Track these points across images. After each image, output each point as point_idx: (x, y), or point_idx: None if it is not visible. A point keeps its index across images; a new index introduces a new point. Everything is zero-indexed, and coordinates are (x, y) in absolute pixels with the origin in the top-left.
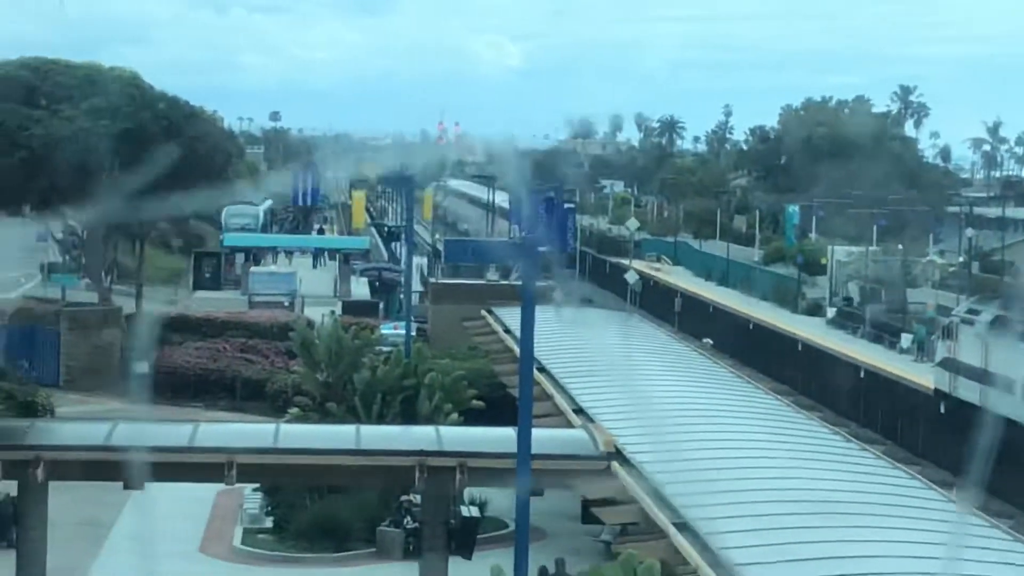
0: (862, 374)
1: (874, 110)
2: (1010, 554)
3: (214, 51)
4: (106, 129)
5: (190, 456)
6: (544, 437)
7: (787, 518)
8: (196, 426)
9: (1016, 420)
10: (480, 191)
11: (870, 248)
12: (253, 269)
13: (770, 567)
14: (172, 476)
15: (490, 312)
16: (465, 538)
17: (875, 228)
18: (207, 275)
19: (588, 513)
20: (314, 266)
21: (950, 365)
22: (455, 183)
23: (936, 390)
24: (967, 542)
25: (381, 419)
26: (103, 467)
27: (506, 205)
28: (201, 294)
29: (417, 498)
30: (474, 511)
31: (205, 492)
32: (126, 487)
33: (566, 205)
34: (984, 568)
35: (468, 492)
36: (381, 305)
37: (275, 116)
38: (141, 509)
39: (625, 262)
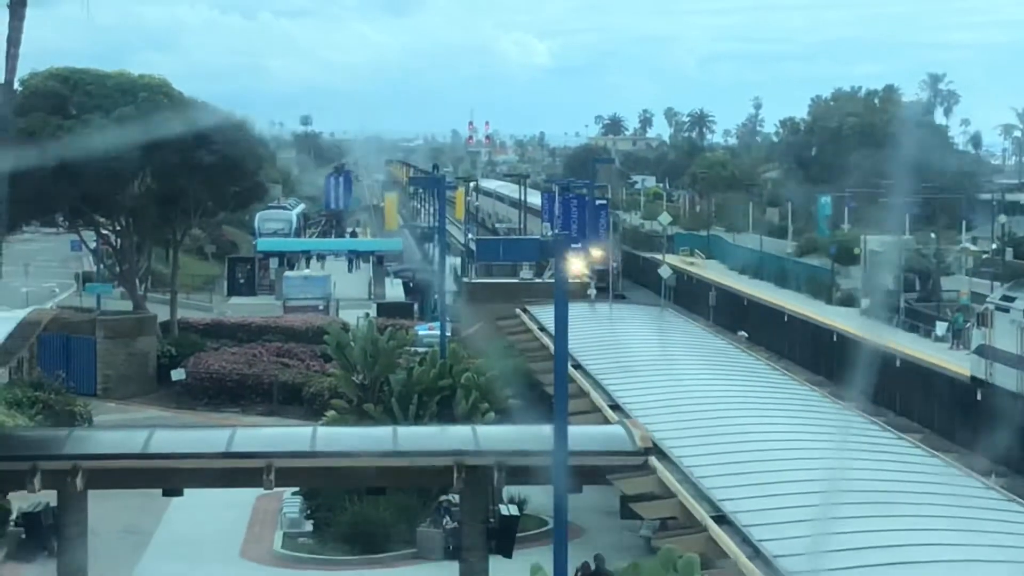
0: (898, 363)
1: (904, 99)
2: None
3: (243, 56)
4: (137, 137)
5: (228, 461)
6: (581, 434)
7: (825, 508)
8: (234, 431)
9: None
10: (512, 190)
11: (903, 237)
12: (287, 273)
13: (809, 558)
14: (211, 482)
15: (524, 310)
16: (505, 537)
17: (908, 217)
18: (241, 280)
19: (626, 508)
20: (349, 270)
21: (986, 352)
22: (487, 183)
23: (972, 377)
24: (1005, 528)
25: (418, 420)
26: (142, 475)
27: (538, 203)
28: (236, 299)
29: (456, 498)
30: (513, 509)
31: (244, 497)
32: (165, 494)
33: (598, 202)
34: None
35: (507, 491)
36: (416, 306)
37: (306, 120)
38: (181, 515)
39: (658, 257)
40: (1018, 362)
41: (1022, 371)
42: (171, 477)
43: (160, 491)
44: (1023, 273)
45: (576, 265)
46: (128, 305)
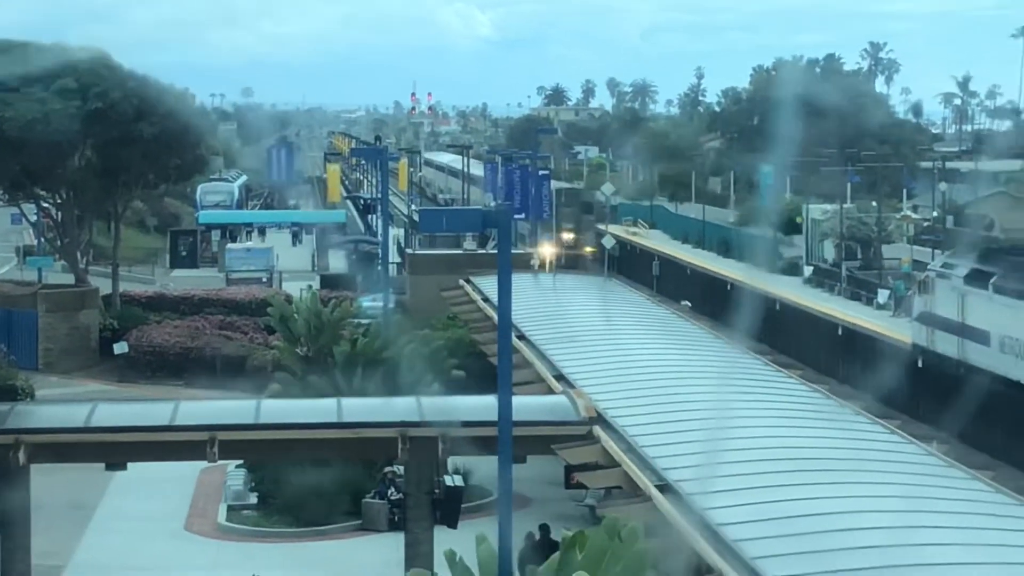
0: (840, 331)
1: (845, 68)
2: (992, 505)
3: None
4: (77, 110)
5: (172, 434)
6: (525, 404)
7: (769, 476)
8: (177, 404)
9: (993, 372)
10: (455, 160)
11: (844, 206)
12: (229, 246)
13: (753, 526)
14: (154, 455)
15: (468, 281)
16: (449, 507)
17: (849, 185)
18: (183, 253)
19: (571, 478)
20: (293, 244)
21: (927, 319)
22: (435, 155)
23: (914, 344)
24: (947, 494)
25: (362, 391)
26: (85, 448)
27: (481, 173)
28: (178, 272)
29: (400, 469)
30: (458, 480)
31: (188, 470)
32: (109, 468)
33: (541, 172)
34: (966, 520)
35: (451, 461)
36: (359, 278)
37: (247, 92)
38: (125, 489)
39: (602, 227)
40: (959, 329)
41: (963, 338)
42: (114, 451)
43: (103, 465)
44: (964, 240)
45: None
46: (70, 278)
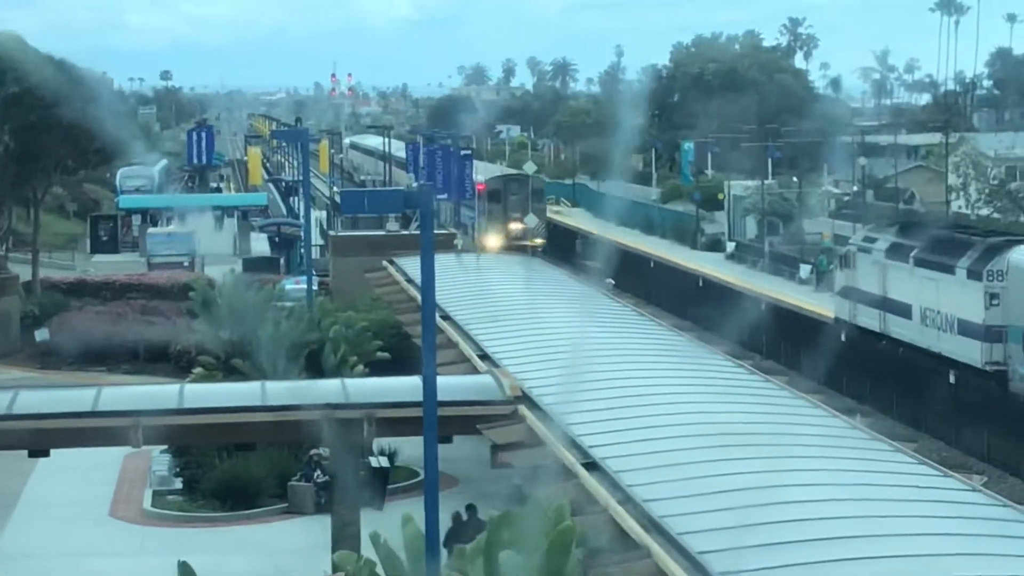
0: (763, 306)
1: (764, 43)
2: (915, 476)
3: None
4: None
5: (95, 420)
6: (450, 384)
7: (695, 452)
8: (100, 390)
9: (915, 344)
10: (376, 142)
11: (766, 181)
12: (151, 230)
13: (679, 501)
14: (78, 441)
15: (391, 263)
16: (376, 489)
17: (769, 161)
18: (104, 238)
19: (498, 457)
20: (215, 227)
21: (849, 293)
22: (357, 137)
23: (836, 318)
24: (871, 467)
25: (286, 374)
26: (7, 435)
27: (403, 154)
28: (99, 258)
29: (326, 451)
30: (384, 461)
31: (112, 456)
32: (31, 455)
33: (462, 152)
34: (891, 492)
35: (377, 443)
36: (282, 260)
37: (166, 75)
38: (48, 476)
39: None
40: (881, 302)
41: (885, 311)
42: (37, 437)
43: (26, 452)
44: (885, 214)
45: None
46: None
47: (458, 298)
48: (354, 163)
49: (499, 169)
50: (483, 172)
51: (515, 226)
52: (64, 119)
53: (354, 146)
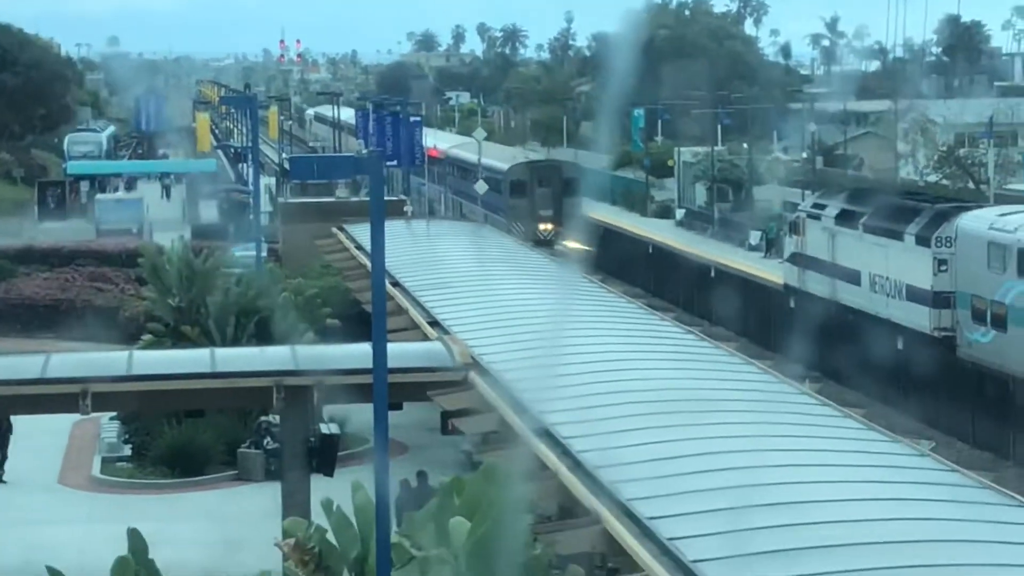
0: (713, 273)
1: (714, 10)
2: (864, 442)
3: None
4: None
5: (43, 387)
6: (400, 351)
7: (644, 418)
8: (48, 357)
9: (864, 311)
10: (326, 108)
11: (715, 148)
12: (99, 197)
13: (629, 467)
14: (26, 408)
15: (341, 229)
16: (326, 456)
17: (719, 128)
18: (52, 205)
19: (448, 424)
20: (163, 193)
21: (798, 260)
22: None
23: (785, 285)
24: (820, 432)
25: (236, 341)
26: None
27: (352, 121)
28: (47, 224)
29: (276, 418)
30: (333, 428)
31: (61, 423)
32: None
33: (412, 119)
34: (840, 457)
35: (327, 410)
36: (231, 227)
37: (114, 41)
38: None
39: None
40: (830, 269)
41: (833, 278)
42: None
43: None
44: (834, 180)
45: None
46: None
47: (408, 265)
48: (318, 135)
49: (520, 153)
50: (499, 158)
51: (545, 227)
52: (9, 84)
53: (319, 118)
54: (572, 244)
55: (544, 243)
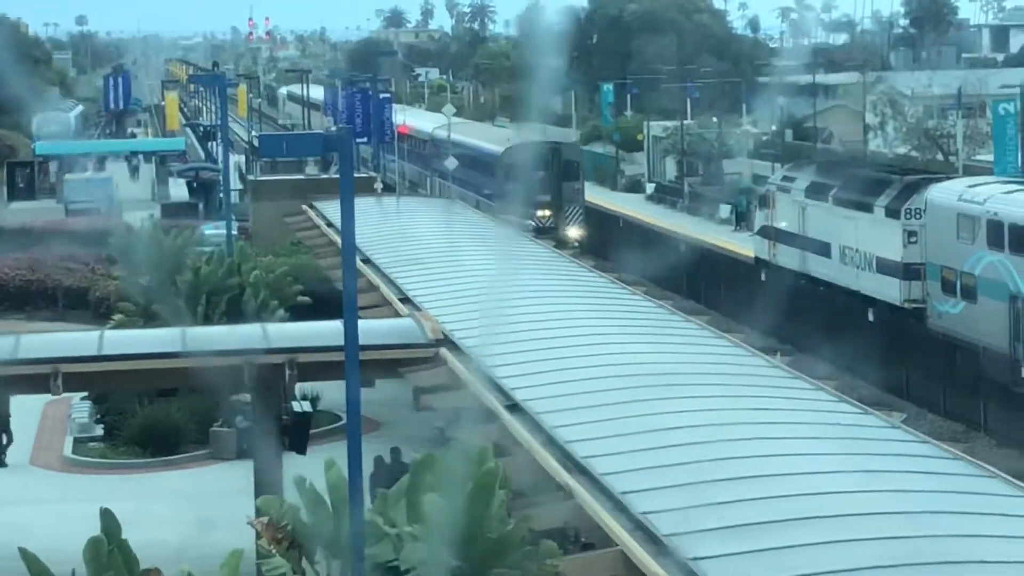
0: (683, 247)
1: None
2: (835, 414)
3: None
4: None
5: (14, 368)
6: (371, 328)
7: (616, 393)
8: (18, 338)
9: (834, 283)
10: (295, 86)
11: (685, 122)
12: (68, 176)
13: (601, 442)
14: None
15: (311, 207)
16: (298, 434)
17: (688, 101)
18: (21, 185)
19: (420, 401)
20: (131, 173)
21: (768, 233)
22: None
23: (756, 258)
24: (793, 405)
25: (207, 320)
26: None
27: (321, 98)
28: (16, 204)
29: (248, 397)
30: (306, 406)
31: (32, 404)
32: None
33: (382, 95)
34: (812, 430)
35: (299, 387)
36: (200, 206)
37: (81, 20)
38: None
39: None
40: (800, 241)
41: (804, 250)
42: None
43: None
44: (804, 153)
45: None
46: None
47: (379, 242)
48: (292, 115)
49: (513, 135)
50: (491, 139)
51: (544, 213)
52: None
53: (292, 97)
54: (573, 232)
55: (543, 231)
